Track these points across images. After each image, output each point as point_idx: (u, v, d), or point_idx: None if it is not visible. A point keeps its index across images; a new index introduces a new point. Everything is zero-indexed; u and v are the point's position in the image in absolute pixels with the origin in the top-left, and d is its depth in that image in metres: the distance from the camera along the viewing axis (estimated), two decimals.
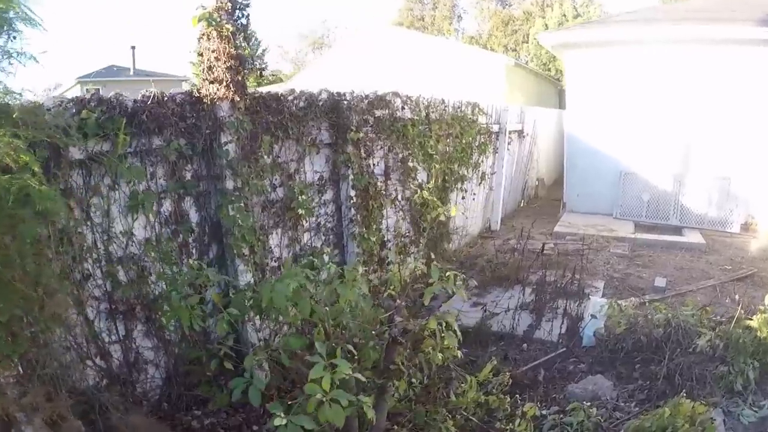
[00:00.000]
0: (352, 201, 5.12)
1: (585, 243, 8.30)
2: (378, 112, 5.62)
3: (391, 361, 2.91)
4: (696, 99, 9.26)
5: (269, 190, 4.21)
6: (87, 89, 4.37)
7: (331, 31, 44.50)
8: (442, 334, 3.01)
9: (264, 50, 45.31)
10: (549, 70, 27.81)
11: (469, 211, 8.66)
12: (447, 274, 3.11)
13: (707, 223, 9.24)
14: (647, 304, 5.57)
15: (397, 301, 2.94)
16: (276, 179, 4.38)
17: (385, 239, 6.05)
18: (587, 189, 10.34)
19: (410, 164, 6.29)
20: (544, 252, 7.21)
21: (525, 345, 5.03)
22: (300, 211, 4.36)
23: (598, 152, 10.11)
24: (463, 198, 8.13)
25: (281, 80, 27.73)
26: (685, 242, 8.39)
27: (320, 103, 4.72)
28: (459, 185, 7.90)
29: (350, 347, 2.74)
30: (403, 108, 6.11)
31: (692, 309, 4.79)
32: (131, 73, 28.94)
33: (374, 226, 5.53)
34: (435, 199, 4.56)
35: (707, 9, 10.04)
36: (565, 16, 31.87)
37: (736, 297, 5.96)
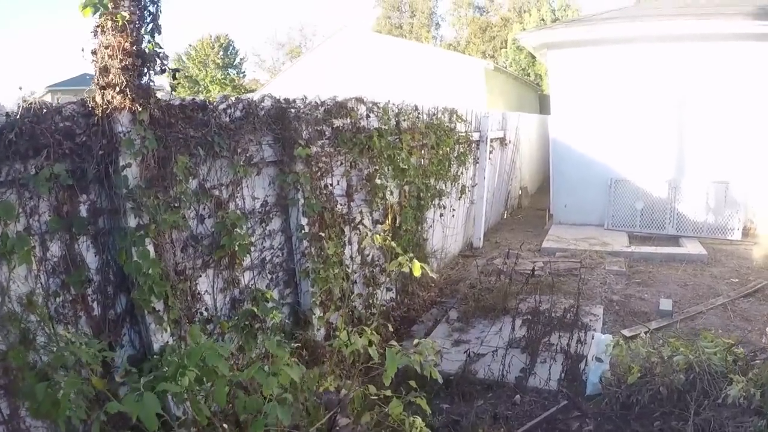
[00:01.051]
0: (303, 231, 4.25)
1: (578, 260, 7.54)
2: (337, 122, 4.79)
3: None
4: (690, 99, 8.60)
5: (192, 223, 3.33)
6: (57, 98, 3.42)
7: (308, 39, 43.79)
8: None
9: (242, 59, 44.57)
10: (528, 75, 27.31)
11: (449, 228, 7.86)
12: (418, 344, 2.22)
13: (706, 231, 8.53)
14: (658, 334, 4.77)
15: (342, 392, 2.06)
16: (204, 209, 3.50)
17: (350, 270, 5.20)
18: (575, 199, 9.61)
19: (378, 181, 5.45)
20: (534, 274, 6.41)
21: (518, 396, 4.20)
22: (234, 247, 3.48)
23: (586, 159, 9.39)
24: (441, 215, 7.31)
25: (254, 90, 26.73)
26: (686, 254, 7.66)
27: (261, 113, 3.87)
28: (436, 201, 7.08)
29: None
30: (368, 116, 5.30)
31: (715, 345, 3.99)
32: None
33: (333, 259, 4.67)
34: (395, 245, 3.68)
35: (699, 4, 9.39)
36: (543, 20, 31.48)
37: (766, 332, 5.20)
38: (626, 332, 5.40)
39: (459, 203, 8.13)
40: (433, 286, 6.95)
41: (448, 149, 7.21)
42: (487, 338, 5.25)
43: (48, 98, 3.41)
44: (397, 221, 6.00)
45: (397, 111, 5.87)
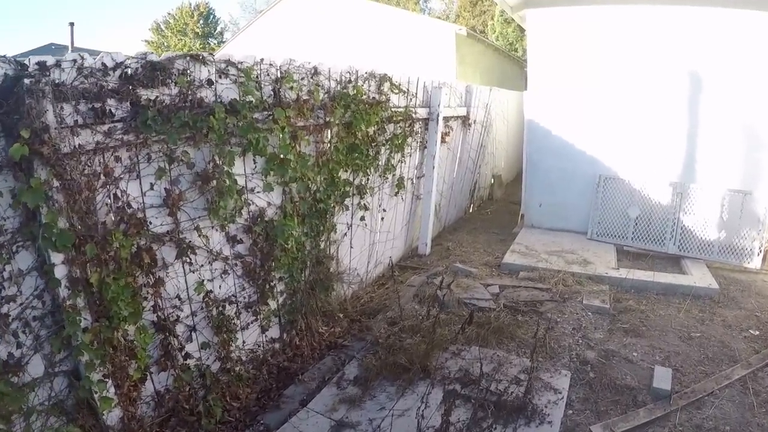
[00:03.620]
0: (53, 274, 2.32)
1: (547, 285, 5.64)
2: (149, 93, 2.86)
3: None
4: (708, 80, 6.64)
5: None
6: None
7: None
8: None
9: (223, 28, 42.58)
10: (516, 50, 25.05)
11: (380, 233, 5.93)
12: None
13: (716, 252, 6.65)
14: None
15: None
16: None
17: (181, 314, 3.30)
18: (553, 197, 7.67)
19: (225, 181, 3.47)
20: (482, 308, 4.51)
21: None
22: None
23: (569, 148, 7.45)
24: (363, 218, 5.35)
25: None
26: (690, 286, 5.78)
27: None
28: (356, 201, 5.12)
29: None
30: (213, 83, 3.32)
31: None
32: (70, 51, 25.55)
33: (124, 309, 2.75)
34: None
35: None
36: None
37: None
38: (598, 431, 3.53)
39: (395, 200, 6.17)
40: (342, 317, 5.03)
41: (373, 130, 5.22)
42: (384, 425, 3.36)
43: None
44: (272, 234, 4.05)
45: (277, 76, 3.89)
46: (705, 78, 6.66)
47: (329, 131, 4.61)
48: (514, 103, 11.33)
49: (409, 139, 6.19)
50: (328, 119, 4.50)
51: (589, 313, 5.21)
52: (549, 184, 7.74)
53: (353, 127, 4.85)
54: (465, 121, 7.84)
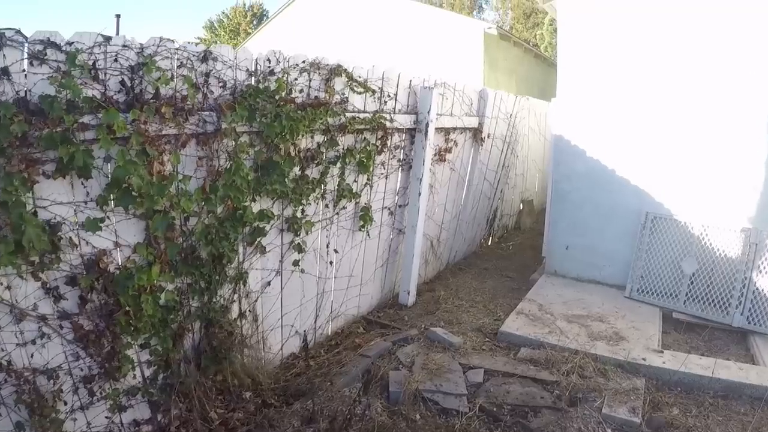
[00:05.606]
0: None
1: (554, 376, 4.04)
2: None
3: None
4: None
5: None
6: None
7: None
8: None
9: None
10: None
11: (334, 280, 4.52)
12: None
13: None
14: None
15: None
16: None
17: None
18: (584, 239, 6.04)
19: (21, 213, 2.17)
20: (447, 409, 3.02)
21: None
22: None
23: (608, 175, 5.84)
24: (296, 264, 3.93)
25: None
26: (763, 387, 4.01)
27: None
28: (289, 240, 3.74)
29: None
30: (24, 70, 2.20)
31: None
32: None
33: None
34: None
35: None
36: None
37: None
38: None
39: (362, 236, 4.70)
40: (250, 397, 3.65)
41: (313, 142, 3.80)
42: None
43: None
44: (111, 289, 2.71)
45: (135, 63, 2.56)
46: None
47: (226, 142, 3.20)
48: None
49: (384, 156, 4.71)
50: (222, 125, 3.10)
51: None
52: (579, 220, 6.08)
53: (272, 138, 3.42)
54: (476, 134, 6.27)
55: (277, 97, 3.46)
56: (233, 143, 3.25)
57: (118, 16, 30.89)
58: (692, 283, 5.41)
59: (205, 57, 3.05)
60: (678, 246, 5.52)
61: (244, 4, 41.56)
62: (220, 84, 3.17)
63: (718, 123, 5.28)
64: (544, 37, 27.16)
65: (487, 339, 4.79)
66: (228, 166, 3.26)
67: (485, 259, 7.30)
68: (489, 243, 8.01)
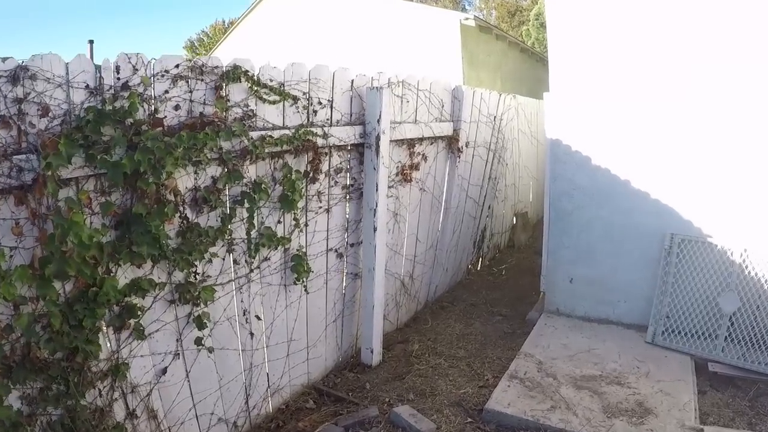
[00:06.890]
0: None
1: None
2: None
3: None
4: None
5: None
6: None
7: None
8: None
9: None
10: None
11: (266, 350, 3.42)
12: None
13: None
14: None
15: None
16: None
17: None
18: (592, 269, 4.88)
19: None
20: None
21: None
22: None
23: (621, 188, 4.71)
24: (198, 343, 2.82)
25: None
26: None
27: None
28: (186, 312, 2.60)
29: None
30: None
31: None
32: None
33: None
34: None
35: None
36: None
37: None
38: None
39: (298, 291, 3.56)
40: None
41: (194, 177, 2.64)
42: None
43: None
44: None
45: None
46: None
47: (48, 190, 2.06)
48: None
49: (320, 183, 3.56)
50: (42, 171, 1.97)
51: None
52: (585, 246, 4.91)
53: (118, 181, 2.27)
54: (452, 143, 5.10)
55: (129, 121, 2.32)
56: (63, 195, 2.13)
57: (91, 41, 29.83)
58: (733, 324, 4.24)
59: (16, 77, 1.93)
60: (712, 277, 4.34)
61: (224, 21, 40.61)
62: (43, 112, 2.06)
63: (762, 118, 4.12)
64: (530, 33, 26.08)
65: (469, 419, 3.61)
66: (59, 231, 2.13)
67: (473, 291, 6.13)
68: (478, 268, 6.84)
